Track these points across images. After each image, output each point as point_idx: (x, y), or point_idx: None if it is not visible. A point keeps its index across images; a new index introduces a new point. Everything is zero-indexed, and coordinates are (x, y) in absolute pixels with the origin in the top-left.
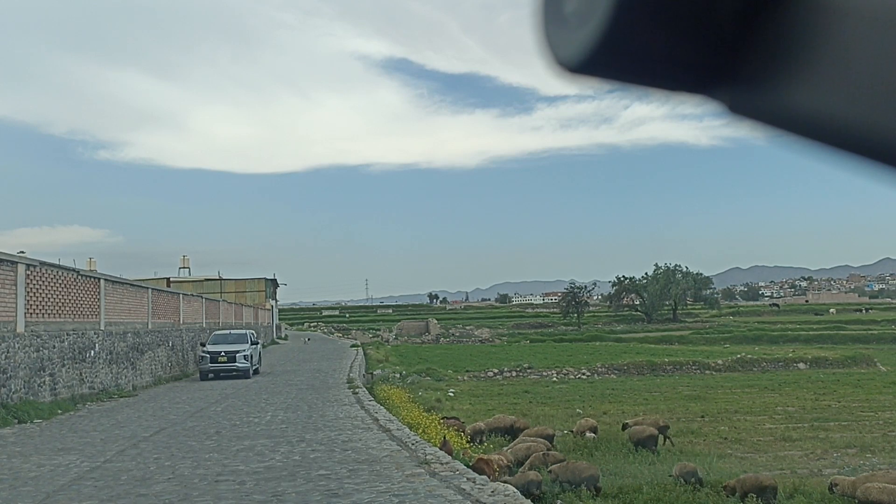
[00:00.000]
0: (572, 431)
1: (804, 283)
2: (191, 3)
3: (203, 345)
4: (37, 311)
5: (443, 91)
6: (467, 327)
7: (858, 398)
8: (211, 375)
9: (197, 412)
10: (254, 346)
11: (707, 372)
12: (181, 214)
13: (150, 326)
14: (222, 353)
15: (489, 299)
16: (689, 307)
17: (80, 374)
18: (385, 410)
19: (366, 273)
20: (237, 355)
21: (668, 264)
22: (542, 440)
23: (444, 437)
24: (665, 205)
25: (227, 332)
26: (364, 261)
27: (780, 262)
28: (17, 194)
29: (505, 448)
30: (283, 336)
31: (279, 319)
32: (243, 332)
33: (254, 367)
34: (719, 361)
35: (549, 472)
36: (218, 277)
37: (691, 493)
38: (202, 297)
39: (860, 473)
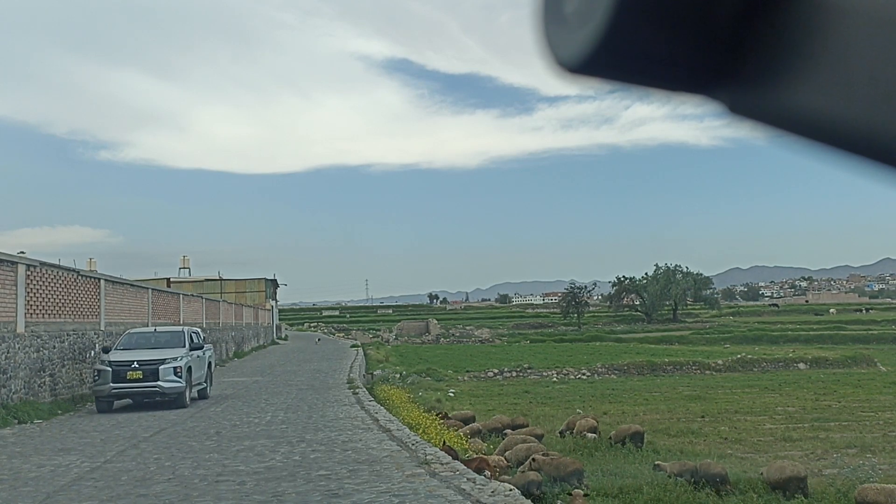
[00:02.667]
0: (571, 431)
1: (804, 283)
2: (191, 3)
3: (106, 351)
4: (37, 312)
5: (443, 91)
6: (467, 327)
7: (859, 398)
8: (125, 402)
9: (197, 412)
10: (195, 354)
11: (707, 372)
12: (181, 214)
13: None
14: (134, 366)
15: (489, 299)
16: (689, 307)
17: (81, 374)
18: (385, 411)
19: (366, 273)
20: (161, 368)
21: (668, 264)
22: (533, 439)
23: (444, 442)
24: (665, 205)
25: (150, 330)
26: (364, 261)
27: (780, 262)
28: (18, 194)
29: (496, 449)
30: (283, 336)
31: (279, 320)
32: (178, 329)
33: (197, 387)
34: (719, 361)
35: (532, 460)
36: (218, 278)
37: (691, 493)
38: (202, 298)
39: (859, 473)
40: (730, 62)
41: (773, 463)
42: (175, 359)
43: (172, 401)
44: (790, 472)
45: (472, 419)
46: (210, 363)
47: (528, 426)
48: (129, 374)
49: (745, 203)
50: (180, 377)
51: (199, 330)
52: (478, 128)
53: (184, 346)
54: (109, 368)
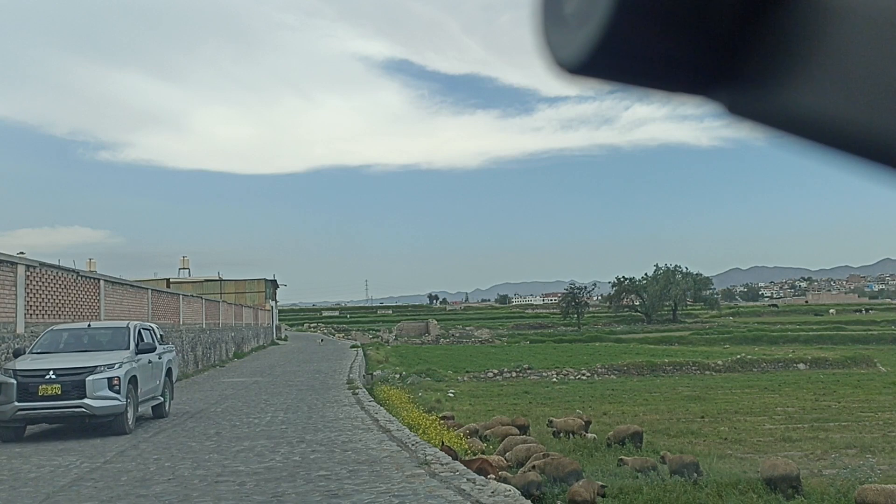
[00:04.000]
0: (568, 432)
1: (804, 284)
2: (191, 4)
3: (16, 354)
4: (37, 312)
5: (444, 92)
6: (467, 328)
7: (858, 399)
8: (36, 426)
9: (196, 413)
10: (144, 359)
11: (707, 372)
12: (181, 215)
13: None
14: (50, 376)
15: (489, 300)
16: (688, 308)
17: None
18: (385, 411)
19: (365, 274)
20: (90, 380)
21: (668, 265)
22: (533, 439)
23: (443, 442)
24: (665, 205)
25: (83, 326)
26: (364, 261)
27: (779, 263)
28: (18, 195)
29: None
30: (283, 337)
31: (279, 320)
32: (121, 325)
33: (148, 402)
34: (719, 362)
35: (533, 467)
36: (218, 278)
37: (692, 492)
38: (202, 298)
39: (858, 474)
40: (729, 63)
41: (766, 460)
42: (111, 366)
43: (107, 425)
44: (783, 470)
45: (451, 419)
46: (170, 370)
47: (528, 426)
48: (42, 389)
49: (744, 203)
50: (118, 392)
51: (153, 326)
52: (478, 128)
53: (127, 349)
54: (14, 380)
